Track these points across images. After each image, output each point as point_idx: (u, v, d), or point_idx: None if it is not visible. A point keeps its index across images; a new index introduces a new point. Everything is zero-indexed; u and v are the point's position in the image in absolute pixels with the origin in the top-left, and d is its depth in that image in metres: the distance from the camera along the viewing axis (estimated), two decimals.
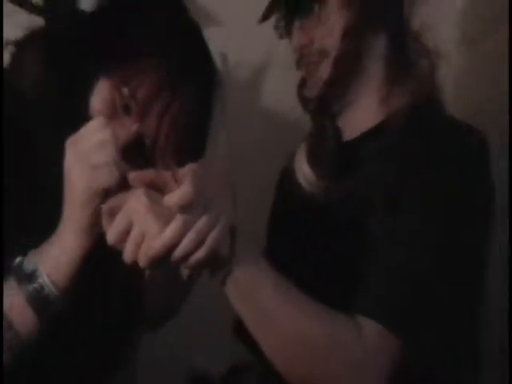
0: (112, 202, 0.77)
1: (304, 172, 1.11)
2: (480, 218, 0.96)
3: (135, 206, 0.75)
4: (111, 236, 0.76)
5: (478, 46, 1.56)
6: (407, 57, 1.07)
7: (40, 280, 0.78)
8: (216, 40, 1.07)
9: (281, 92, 1.29)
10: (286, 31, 1.12)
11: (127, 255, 0.75)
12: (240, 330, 0.88)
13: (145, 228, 0.74)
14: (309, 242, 1.07)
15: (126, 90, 0.86)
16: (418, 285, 0.88)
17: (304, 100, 1.14)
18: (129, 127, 0.86)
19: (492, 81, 1.51)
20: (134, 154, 0.85)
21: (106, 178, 0.75)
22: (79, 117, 0.83)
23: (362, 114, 1.08)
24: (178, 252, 0.74)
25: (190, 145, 0.94)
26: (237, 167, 1.21)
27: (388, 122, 1.04)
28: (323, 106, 1.11)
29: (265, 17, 1.13)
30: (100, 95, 0.87)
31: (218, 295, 0.91)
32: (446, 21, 1.54)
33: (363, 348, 0.85)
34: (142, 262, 0.74)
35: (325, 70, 1.06)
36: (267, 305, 0.84)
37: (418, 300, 0.88)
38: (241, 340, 0.99)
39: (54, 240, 0.80)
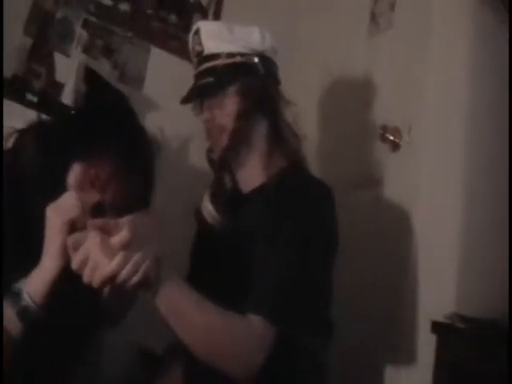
0: (76, 236, 0.99)
1: (208, 209, 1.39)
2: (324, 242, 1.26)
3: (91, 244, 0.96)
4: (74, 263, 0.97)
5: (330, 128, 2.05)
6: (282, 136, 1.38)
7: (23, 297, 1.02)
8: (156, 119, 1.44)
9: (200, 155, 1.55)
10: (199, 110, 1.41)
11: (85, 278, 0.97)
12: None
13: (97, 260, 0.95)
14: (212, 261, 1.37)
15: (92, 171, 1.11)
16: (284, 291, 1.16)
17: (210, 160, 1.44)
18: (93, 196, 1.10)
19: (341, 153, 2.00)
20: (97, 213, 1.08)
21: (70, 211, 1.01)
22: (60, 187, 1.09)
23: (251, 175, 1.37)
24: (120, 277, 0.96)
25: (137, 201, 1.17)
26: (168, 208, 1.53)
27: (268, 182, 1.35)
28: (222, 164, 1.40)
29: (184, 101, 1.41)
30: (74, 174, 1.12)
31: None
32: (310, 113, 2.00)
33: (251, 335, 1.13)
34: (95, 283, 0.96)
35: (223, 140, 1.34)
36: (184, 312, 1.08)
37: (285, 300, 1.16)
38: None
39: (37, 268, 1.03)
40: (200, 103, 1.41)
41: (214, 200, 1.39)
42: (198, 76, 1.39)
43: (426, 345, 1.51)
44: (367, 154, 1.89)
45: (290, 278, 1.18)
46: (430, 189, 1.65)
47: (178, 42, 2.24)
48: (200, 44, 1.36)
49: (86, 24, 2.09)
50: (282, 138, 1.39)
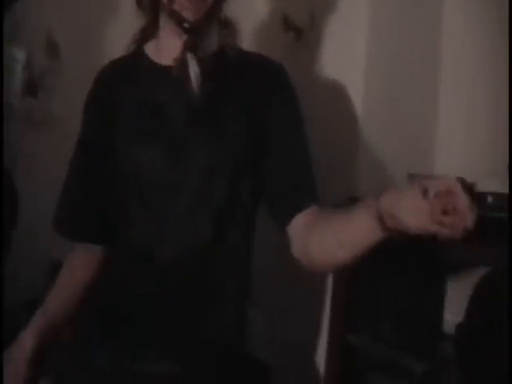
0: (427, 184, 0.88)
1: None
2: (294, 108, 1.33)
3: (458, 199, 0.85)
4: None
5: None
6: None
7: None
8: None
9: None
10: None
11: (443, 234, 0.87)
12: None
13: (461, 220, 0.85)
14: None
15: None
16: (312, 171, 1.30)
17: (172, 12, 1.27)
18: None
19: None
20: None
21: None
22: None
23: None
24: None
25: None
26: None
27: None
28: (197, 28, 1.28)
29: None
30: None
31: None
32: None
33: None
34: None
35: (203, 7, 1.24)
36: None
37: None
38: None
39: None
40: None
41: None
42: None
43: None
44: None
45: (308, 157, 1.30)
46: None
47: None
48: None
49: None
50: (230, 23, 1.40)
